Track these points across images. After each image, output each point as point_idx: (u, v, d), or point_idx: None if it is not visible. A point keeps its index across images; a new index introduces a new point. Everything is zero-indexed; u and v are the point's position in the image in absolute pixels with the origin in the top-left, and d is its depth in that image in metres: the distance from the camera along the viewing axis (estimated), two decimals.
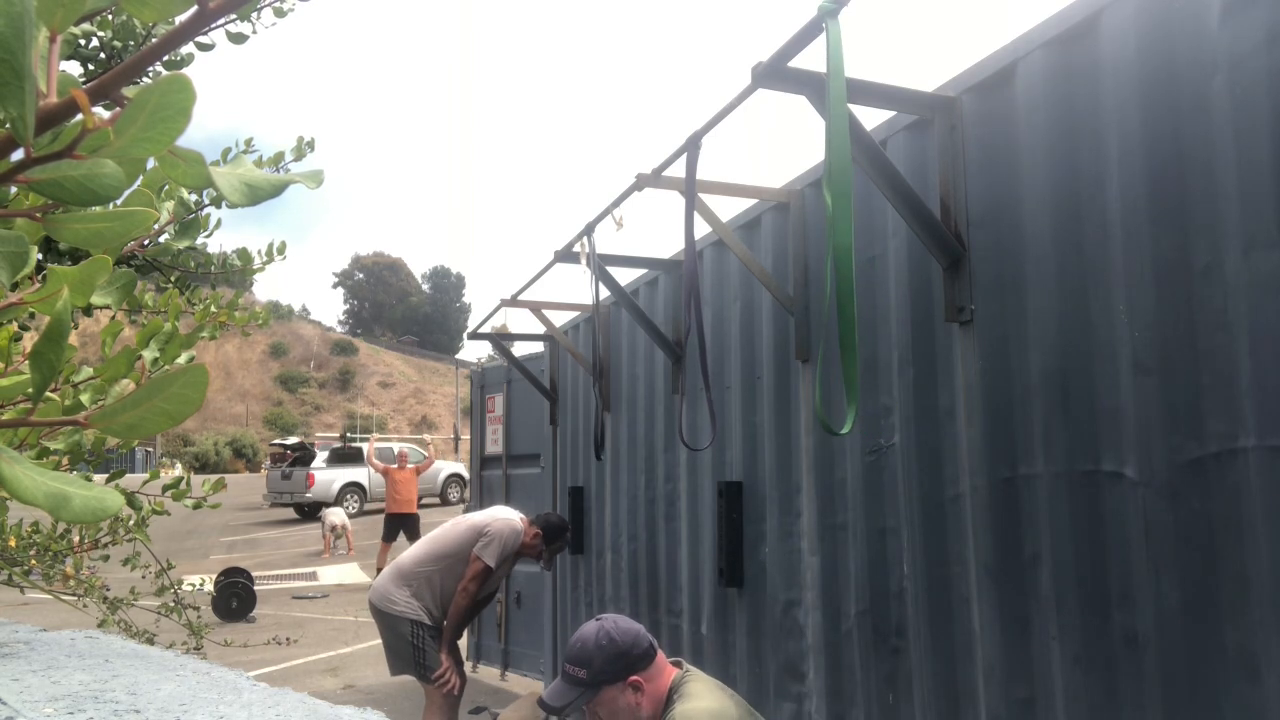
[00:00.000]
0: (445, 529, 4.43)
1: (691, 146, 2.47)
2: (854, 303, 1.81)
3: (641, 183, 2.88)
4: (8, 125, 0.36)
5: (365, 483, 21.22)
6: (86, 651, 1.61)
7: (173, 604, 3.11)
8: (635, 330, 4.27)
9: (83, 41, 2.14)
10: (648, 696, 2.19)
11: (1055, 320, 1.92)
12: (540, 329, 5.22)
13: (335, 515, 15.19)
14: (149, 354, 0.97)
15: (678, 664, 2.30)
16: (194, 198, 1.03)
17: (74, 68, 2.22)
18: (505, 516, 4.38)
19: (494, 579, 4.40)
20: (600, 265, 3.58)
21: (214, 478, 1.75)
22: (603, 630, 2.22)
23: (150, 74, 1.72)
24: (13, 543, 2.25)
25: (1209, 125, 1.61)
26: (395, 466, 12.58)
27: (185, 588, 3.28)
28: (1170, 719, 1.64)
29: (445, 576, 4.25)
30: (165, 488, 1.56)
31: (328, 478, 21.00)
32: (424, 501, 14.04)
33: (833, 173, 1.81)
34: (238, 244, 1.89)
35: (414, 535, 12.06)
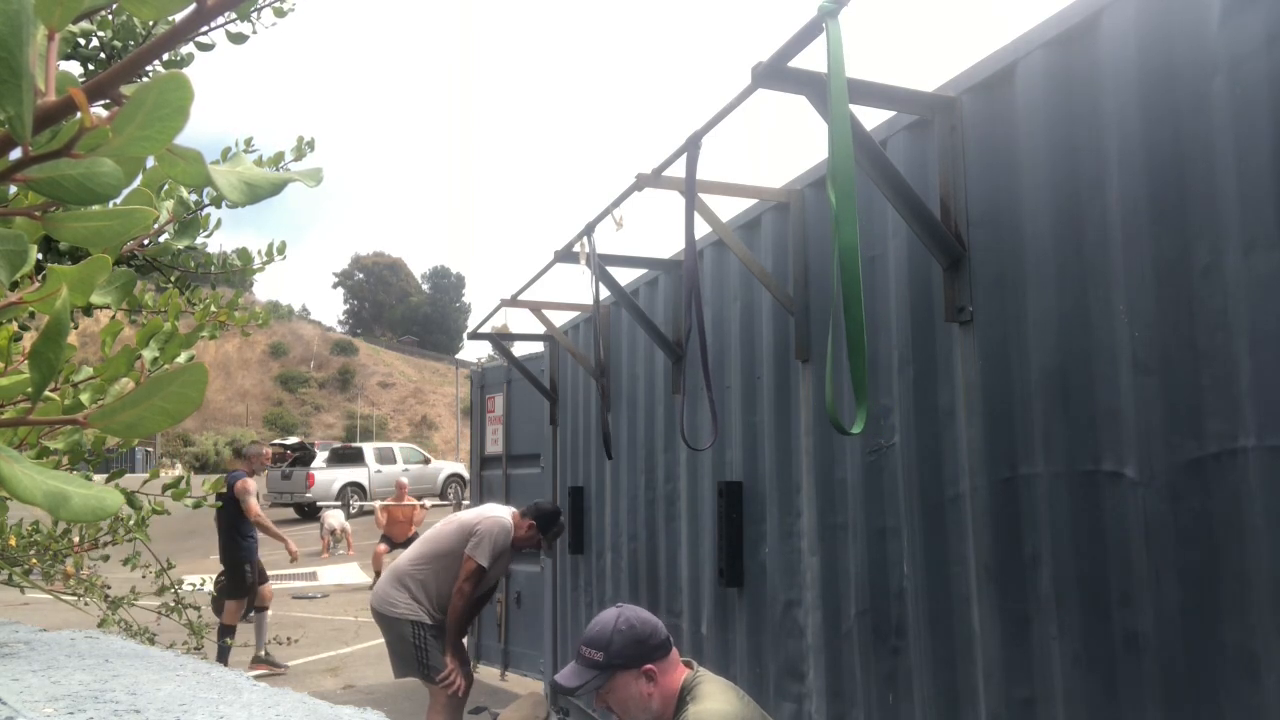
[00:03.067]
0: (438, 528, 4.43)
1: (691, 146, 2.47)
2: (861, 302, 1.81)
3: (641, 183, 2.88)
4: (6, 124, 0.36)
5: (365, 483, 21.25)
6: (86, 651, 1.61)
7: (173, 604, 3.11)
8: (635, 330, 4.27)
9: (82, 41, 2.14)
10: (660, 689, 2.19)
11: (1055, 320, 1.92)
12: (540, 329, 5.22)
13: (334, 518, 15.18)
14: (149, 353, 0.97)
15: (689, 664, 2.30)
16: (194, 197, 1.03)
17: (74, 67, 2.21)
18: (494, 515, 4.36)
19: (491, 576, 4.40)
20: (600, 265, 3.58)
21: (214, 478, 1.75)
22: (622, 617, 2.23)
23: (149, 73, 1.72)
24: (13, 542, 2.25)
25: (1209, 126, 1.61)
26: (394, 502, 12.48)
27: (185, 588, 3.28)
28: (1170, 719, 1.64)
29: (441, 576, 4.25)
30: (165, 487, 1.56)
31: (328, 478, 21.02)
32: (425, 501, 13.97)
33: (836, 173, 1.81)
34: (238, 244, 1.89)
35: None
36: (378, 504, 12.84)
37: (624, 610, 2.27)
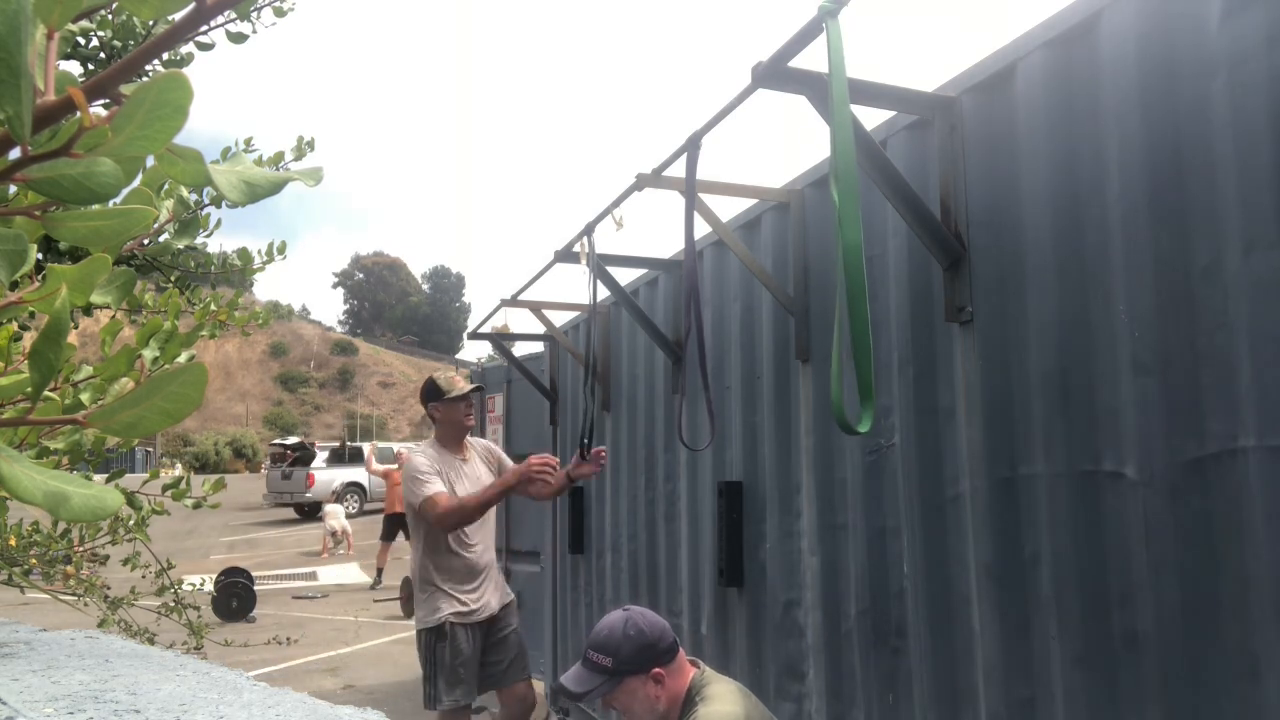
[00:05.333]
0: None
1: (691, 146, 2.47)
2: (866, 301, 1.81)
3: (641, 183, 2.88)
4: (5, 123, 0.36)
5: (365, 482, 21.25)
6: (86, 651, 1.61)
7: (173, 604, 3.11)
8: (635, 330, 4.26)
9: (82, 40, 2.14)
10: (668, 691, 2.18)
11: (1055, 320, 1.92)
12: (540, 329, 5.22)
13: (335, 519, 15.18)
14: (149, 353, 0.97)
15: (695, 664, 2.30)
16: (194, 197, 1.03)
17: (74, 67, 2.21)
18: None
19: (464, 492, 3.67)
20: (600, 265, 3.58)
21: (214, 478, 1.75)
22: (630, 620, 2.21)
23: (149, 72, 1.72)
24: (13, 542, 2.25)
25: (1209, 126, 1.61)
26: (395, 468, 12.57)
27: (185, 588, 3.28)
28: (1170, 719, 1.64)
29: (426, 548, 3.68)
30: (165, 487, 1.56)
31: (328, 478, 21.03)
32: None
33: (839, 173, 1.81)
34: (237, 244, 1.89)
35: None
36: (380, 468, 12.86)
37: (631, 614, 2.25)
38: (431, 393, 3.82)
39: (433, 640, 3.60)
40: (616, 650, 2.17)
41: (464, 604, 3.63)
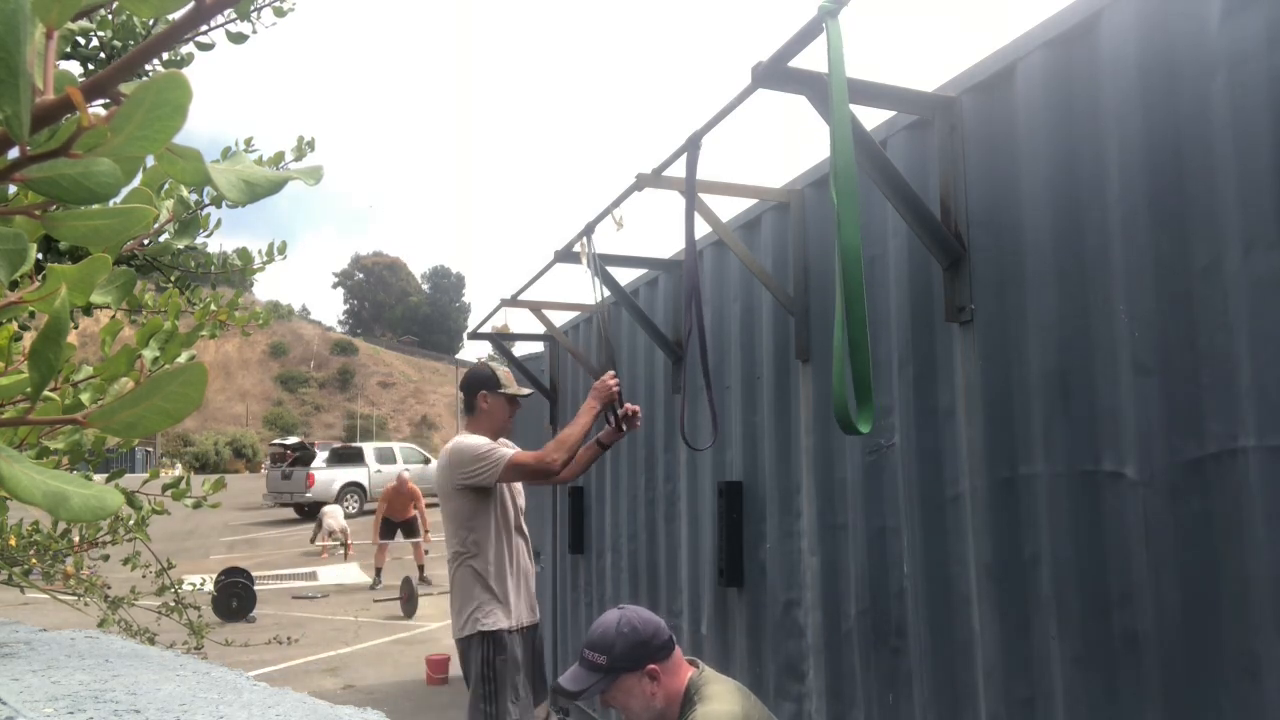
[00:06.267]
0: (441, 503, 3.39)
1: (691, 146, 2.47)
2: (864, 303, 1.82)
3: (641, 183, 2.88)
4: (4, 123, 0.36)
5: (365, 483, 21.27)
6: (86, 651, 1.61)
7: (173, 604, 3.11)
8: (635, 330, 4.27)
9: (81, 40, 2.14)
10: (664, 688, 2.19)
11: (1055, 320, 1.92)
12: (540, 329, 5.22)
13: (333, 519, 15.15)
14: (149, 353, 0.97)
15: (694, 663, 2.30)
16: (194, 197, 1.03)
17: (74, 67, 2.21)
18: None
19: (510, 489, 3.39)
20: (600, 265, 3.58)
21: (214, 477, 1.75)
22: (624, 619, 2.23)
23: (148, 73, 1.72)
24: (13, 542, 2.25)
25: (1209, 126, 1.61)
26: (393, 485, 12.45)
27: (185, 587, 3.28)
28: (1170, 719, 1.64)
29: (496, 553, 3.26)
30: (165, 487, 1.56)
31: (328, 478, 21.05)
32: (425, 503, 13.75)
33: (838, 173, 1.81)
34: (238, 244, 1.89)
35: (411, 532, 12.09)
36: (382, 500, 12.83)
37: (626, 612, 2.27)
38: (487, 381, 3.42)
39: (490, 651, 3.18)
40: (610, 648, 2.18)
41: (515, 613, 3.30)
